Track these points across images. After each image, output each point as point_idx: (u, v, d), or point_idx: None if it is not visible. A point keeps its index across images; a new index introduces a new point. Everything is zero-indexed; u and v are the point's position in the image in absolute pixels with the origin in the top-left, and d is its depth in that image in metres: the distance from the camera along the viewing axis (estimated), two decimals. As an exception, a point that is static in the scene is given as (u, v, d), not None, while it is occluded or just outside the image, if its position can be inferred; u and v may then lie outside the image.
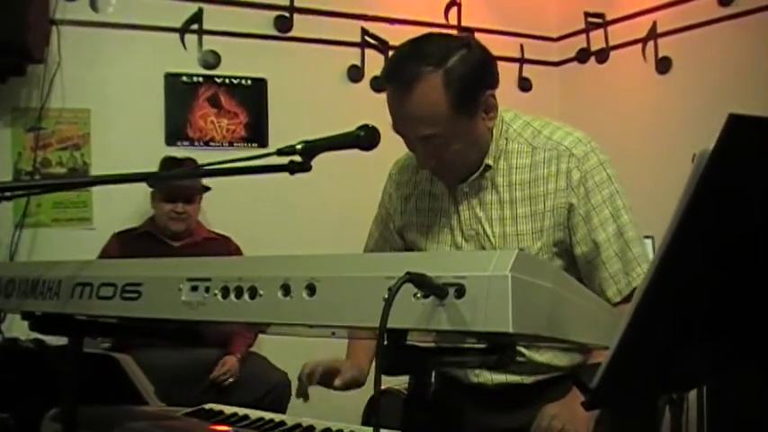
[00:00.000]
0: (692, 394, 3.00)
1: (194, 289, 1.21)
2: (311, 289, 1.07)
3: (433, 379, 2.22)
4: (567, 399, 1.87)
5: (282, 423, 1.79)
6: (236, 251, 4.19)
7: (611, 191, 1.96)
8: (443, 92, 1.83)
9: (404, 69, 1.86)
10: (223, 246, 4.17)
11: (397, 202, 2.17)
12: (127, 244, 3.97)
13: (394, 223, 2.19)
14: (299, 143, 1.44)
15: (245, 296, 1.14)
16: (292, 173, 1.43)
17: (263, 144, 4.63)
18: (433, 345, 1.13)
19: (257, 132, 4.65)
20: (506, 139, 2.00)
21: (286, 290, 1.09)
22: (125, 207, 4.13)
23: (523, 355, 1.99)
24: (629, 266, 1.94)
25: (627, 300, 1.92)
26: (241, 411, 1.89)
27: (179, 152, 4.28)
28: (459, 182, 2.02)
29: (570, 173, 1.94)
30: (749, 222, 0.93)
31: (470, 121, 1.90)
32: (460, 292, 0.93)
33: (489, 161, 1.99)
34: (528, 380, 2.03)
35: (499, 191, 2.00)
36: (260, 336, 4.13)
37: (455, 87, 1.84)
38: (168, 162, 4.05)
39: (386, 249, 2.22)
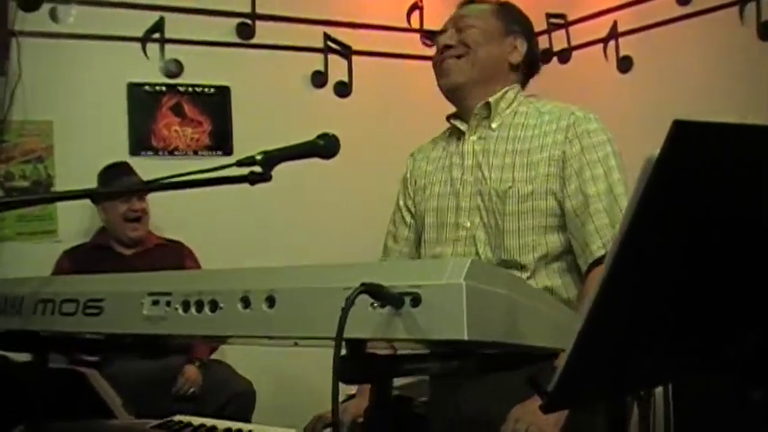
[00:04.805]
0: (659, 390, 3.03)
1: (155, 303, 1.22)
2: (271, 301, 1.07)
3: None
4: (532, 400, 1.88)
5: (250, 433, 1.80)
6: (189, 255, 4.12)
7: (607, 152, 2.08)
8: (494, 5, 2.32)
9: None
10: (176, 251, 4.10)
11: (416, 174, 2.35)
12: (78, 260, 3.89)
13: (413, 201, 2.33)
14: (258, 154, 1.44)
15: (206, 309, 1.15)
16: (252, 183, 1.44)
17: (228, 152, 4.60)
18: (392, 352, 1.14)
19: (222, 140, 4.63)
20: (519, 102, 2.24)
21: (246, 302, 1.10)
22: (90, 219, 4.09)
23: None
24: (616, 220, 2.01)
25: None
26: (209, 422, 1.89)
27: (144, 162, 4.24)
28: (467, 113, 2.24)
29: (569, 128, 2.10)
30: (699, 225, 0.95)
31: (500, 33, 2.24)
32: (416, 300, 0.94)
33: (491, 99, 2.19)
34: None
35: (505, 143, 2.16)
36: (223, 343, 4.09)
37: (504, 8, 2.31)
38: (110, 171, 3.97)
39: (408, 237, 2.35)
